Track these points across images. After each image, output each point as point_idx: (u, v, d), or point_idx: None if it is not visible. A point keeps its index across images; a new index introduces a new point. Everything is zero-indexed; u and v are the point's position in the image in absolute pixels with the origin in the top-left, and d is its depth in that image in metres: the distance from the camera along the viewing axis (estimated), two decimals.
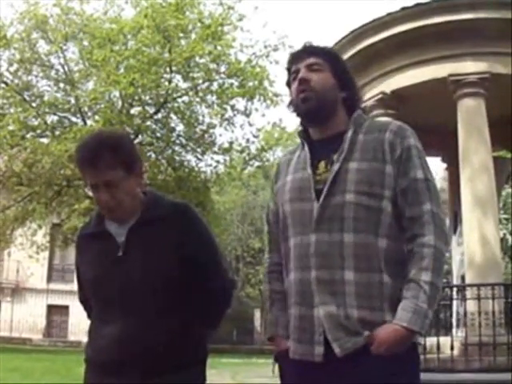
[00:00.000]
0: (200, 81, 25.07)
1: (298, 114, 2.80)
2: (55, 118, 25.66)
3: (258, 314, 38.90)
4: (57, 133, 24.87)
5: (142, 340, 2.68)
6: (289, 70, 2.87)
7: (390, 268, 2.55)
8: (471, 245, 10.49)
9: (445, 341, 9.27)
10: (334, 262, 2.53)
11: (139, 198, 2.84)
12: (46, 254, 31.04)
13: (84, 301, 3.11)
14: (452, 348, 8.94)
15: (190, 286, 2.81)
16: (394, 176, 2.58)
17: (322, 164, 2.67)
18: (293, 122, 54.71)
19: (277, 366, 2.85)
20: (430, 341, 9.22)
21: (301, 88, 2.73)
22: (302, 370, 2.60)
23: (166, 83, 24.67)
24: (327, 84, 2.73)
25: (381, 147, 2.61)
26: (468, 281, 10.41)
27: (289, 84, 2.87)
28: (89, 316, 3.08)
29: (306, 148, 2.77)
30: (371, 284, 2.52)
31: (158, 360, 2.69)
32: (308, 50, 2.84)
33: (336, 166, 2.60)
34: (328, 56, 2.83)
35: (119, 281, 2.73)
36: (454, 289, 10.55)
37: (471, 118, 10.94)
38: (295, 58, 2.84)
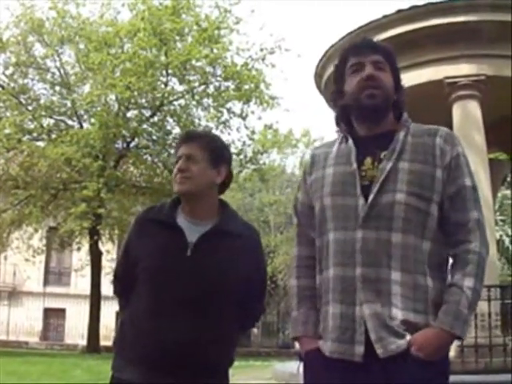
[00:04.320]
0: (196, 84, 25.11)
1: (358, 110, 2.73)
2: (51, 121, 25.70)
3: None
4: (53, 136, 24.89)
5: (186, 342, 2.75)
6: (344, 60, 2.81)
7: (433, 271, 2.55)
8: None
9: None
10: (381, 261, 2.51)
11: (214, 201, 3.03)
12: (43, 257, 30.98)
13: (121, 278, 3.11)
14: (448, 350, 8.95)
15: (237, 302, 2.91)
16: (443, 181, 2.59)
17: (369, 160, 2.63)
18: (287, 125, 54.75)
19: (301, 366, 2.76)
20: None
21: (368, 84, 2.68)
22: (339, 370, 2.53)
23: (163, 86, 24.71)
24: (390, 84, 2.73)
25: (431, 151, 2.61)
26: None
27: (340, 72, 2.81)
28: (115, 292, 3.14)
29: (351, 142, 2.72)
30: (417, 286, 2.50)
31: (208, 362, 2.79)
32: (371, 46, 2.81)
33: (388, 165, 2.58)
34: (389, 55, 2.80)
35: (182, 281, 2.80)
36: None
37: (465, 122, 10.94)
38: (357, 50, 2.79)
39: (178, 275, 2.80)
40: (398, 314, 2.48)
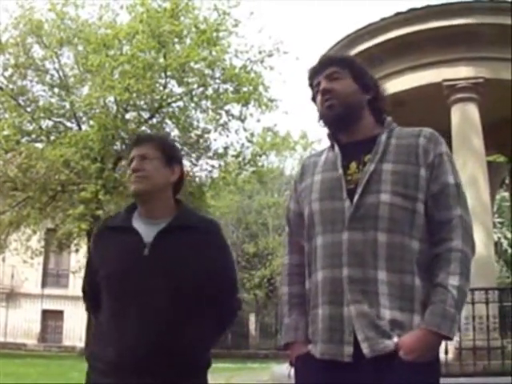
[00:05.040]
0: (195, 86, 25.11)
1: (326, 123, 2.83)
2: (50, 122, 25.70)
3: (252, 318, 38.81)
4: (52, 138, 24.89)
5: (158, 344, 2.71)
6: (311, 85, 2.90)
7: (422, 271, 2.56)
8: None
9: None
10: (367, 261, 2.53)
11: (170, 200, 2.98)
12: (41, 259, 31.00)
13: (87, 290, 3.10)
14: (446, 352, 8.91)
15: (205, 299, 2.87)
16: (427, 179, 2.61)
17: (353, 165, 2.68)
18: (286, 128, 54.78)
19: (292, 370, 2.78)
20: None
21: (324, 98, 2.77)
22: (329, 371, 2.56)
23: (161, 88, 24.71)
24: (349, 89, 2.76)
25: (414, 151, 2.64)
26: None
27: (314, 99, 2.89)
28: (87, 308, 3.11)
29: (337, 149, 2.78)
30: (403, 285, 2.52)
31: (172, 365, 2.73)
32: (324, 62, 2.88)
33: (371, 167, 2.62)
34: (345, 62, 2.86)
35: (141, 281, 2.77)
36: None
37: (464, 125, 10.96)
38: (314, 72, 2.88)
39: (137, 277, 2.77)
40: (386, 313, 2.50)
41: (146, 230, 2.86)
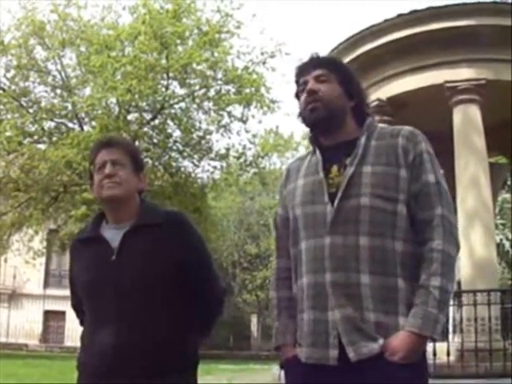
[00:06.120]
0: (197, 87, 25.10)
1: (308, 125, 2.83)
2: (52, 124, 25.69)
3: (254, 319, 38.84)
4: (54, 139, 24.88)
5: (134, 344, 2.72)
6: (297, 82, 2.90)
7: (407, 272, 2.57)
8: (465, 252, 10.46)
9: (441, 347, 9.23)
10: (350, 265, 2.54)
11: (136, 204, 2.95)
12: (43, 259, 30.94)
13: (76, 306, 3.11)
14: (448, 354, 8.94)
15: (183, 293, 2.87)
16: (408, 180, 2.61)
17: (335, 168, 2.69)
18: (288, 129, 54.74)
19: (283, 373, 2.84)
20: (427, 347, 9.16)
21: (309, 99, 2.76)
22: (315, 375, 2.59)
23: (163, 89, 24.69)
24: (334, 94, 2.76)
25: (394, 152, 2.65)
26: (464, 287, 10.42)
27: (297, 96, 2.89)
28: (81, 323, 3.10)
29: (318, 153, 2.79)
30: (386, 288, 2.54)
31: (149, 364, 2.73)
32: (314, 62, 2.87)
33: (350, 170, 2.62)
34: (334, 66, 2.86)
35: (112, 285, 2.78)
36: None
37: (465, 126, 10.98)
38: (302, 70, 2.87)
39: (110, 283, 2.79)
40: (370, 316, 2.52)
41: (114, 236, 2.87)
